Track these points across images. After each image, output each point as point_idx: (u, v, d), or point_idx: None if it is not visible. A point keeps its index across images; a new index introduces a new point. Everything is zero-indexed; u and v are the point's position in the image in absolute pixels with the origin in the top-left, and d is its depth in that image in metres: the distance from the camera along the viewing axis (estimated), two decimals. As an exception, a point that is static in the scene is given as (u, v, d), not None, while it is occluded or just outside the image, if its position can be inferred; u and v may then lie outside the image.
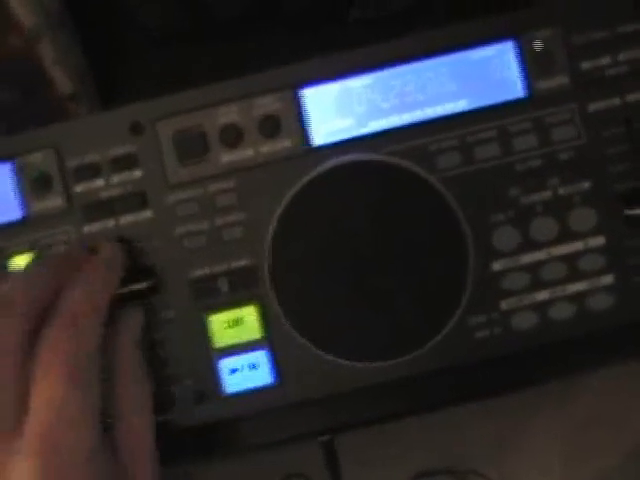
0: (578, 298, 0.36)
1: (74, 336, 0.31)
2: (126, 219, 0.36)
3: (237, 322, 0.36)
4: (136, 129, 0.36)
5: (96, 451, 0.31)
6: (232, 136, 0.36)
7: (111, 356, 0.34)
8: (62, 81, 0.41)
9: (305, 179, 0.35)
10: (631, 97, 0.36)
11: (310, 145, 0.36)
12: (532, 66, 0.36)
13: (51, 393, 0.30)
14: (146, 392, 0.34)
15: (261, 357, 0.36)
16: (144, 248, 0.36)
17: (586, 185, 0.36)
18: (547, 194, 0.36)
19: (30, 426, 0.30)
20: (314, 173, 0.36)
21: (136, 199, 0.36)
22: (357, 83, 0.36)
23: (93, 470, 0.30)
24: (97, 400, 0.31)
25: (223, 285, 0.36)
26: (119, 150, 0.36)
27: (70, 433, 0.30)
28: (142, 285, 0.35)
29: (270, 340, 0.36)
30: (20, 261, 0.36)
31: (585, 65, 0.36)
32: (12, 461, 0.29)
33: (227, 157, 0.36)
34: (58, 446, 0.30)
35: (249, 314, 0.36)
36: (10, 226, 0.36)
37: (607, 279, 0.36)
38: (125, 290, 0.35)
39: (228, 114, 0.36)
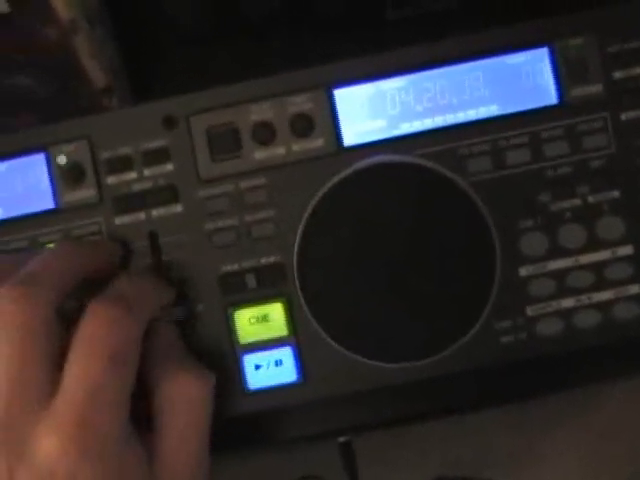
0: (604, 307, 0.36)
1: (123, 317, 0.31)
2: (156, 212, 0.36)
3: (263, 318, 0.36)
4: (169, 123, 0.36)
5: (125, 439, 0.30)
6: (265, 134, 0.36)
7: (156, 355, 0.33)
8: (96, 75, 0.41)
9: (336, 179, 0.36)
10: (664, 107, 0.36)
11: (342, 145, 0.36)
12: (566, 73, 0.36)
13: (92, 370, 0.29)
14: (203, 394, 0.33)
15: (286, 354, 0.36)
16: (173, 242, 0.36)
17: (616, 194, 0.36)
18: (576, 202, 0.36)
19: (61, 402, 0.29)
20: (345, 173, 0.36)
21: (167, 193, 0.36)
22: (390, 85, 0.36)
23: (119, 457, 0.30)
24: (131, 388, 0.31)
25: (251, 281, 0.36)
26: (152, 144, 0.36)
27: (102, 415, 0.29)
28: (180, 310, 0.36)
29: (296, 337, 0.36)
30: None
31: (618, 74, 0.36)
32: (38, 436, 0.29)
33: (259, 154, 0.36)
34: (87, 426, 0.29)
35: (276, 311, 0.36)
36: (42, 215, 0.36)
37: (634, 289, 0.36)
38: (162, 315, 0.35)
39: (261, 111, 0.36)
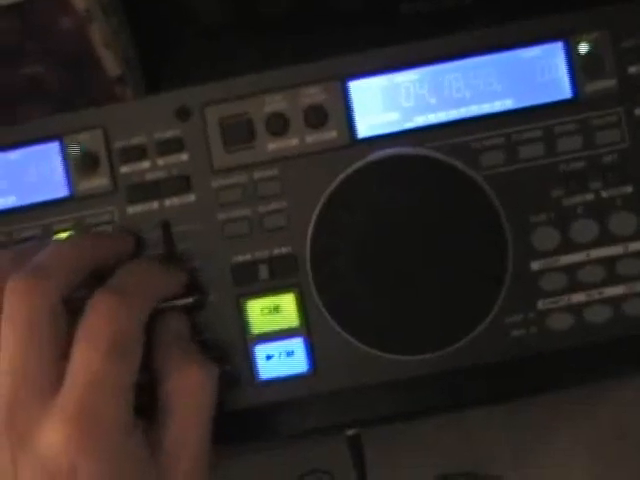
0: (614, 302, 0.36)
1: (125, 307, 0.31)
2: (170, 202, 0.36)
3: (275, 309, 0.36)
4: (183, 114, 0.36)
5: (128, 429, 0.30)
6: (278, 125, 0.36)
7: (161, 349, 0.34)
8: (110, 64, 0.41)
9: (349, 170, 0.36)
10: (678, 103, 0.36)
11: (355, 137, 0.36)
12: (580, 68, 0.36)
13: (92, 361, 0.30)
14: (206, 385, 0.33)
15: (297, 345, 0.36)
16: (186, 232, 0.36)
17: (629, 189, 0.36)
18: (589, 196, 0.36)
19: (64, 393, 0.30)
20: (358, 164, 0.36)
21: (180, 183, 0.36)
22: (405, 77, 0.36)
23: (122, 446, 0.30)
24: (135, 377, 0.31)
25: (263, 272, 0.36)
26: (166, 133, 0.36)
27: (107, 405, 0.30)
28: (187, 300, 0.35)
29: (307, 328, 0.36)
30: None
31: (633, 69, 0.36)
32: (41, 427, 0.29)
33: (272, 145, 0.36)
34: (92, 415, 0.29)
35: (287, 302, 0.36)
36: (56, 203, 0.36)
37: (645, 285, 0.36)
38: (169, 305, 0.35)
39: (275, 102, 0.36)
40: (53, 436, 0.29)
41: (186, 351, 0.34)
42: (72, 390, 0.30)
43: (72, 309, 0.31)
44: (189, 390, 0.33)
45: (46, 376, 0.30)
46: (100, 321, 0.31)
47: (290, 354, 0.36)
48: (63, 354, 0.30)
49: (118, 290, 0.32)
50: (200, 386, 0.33)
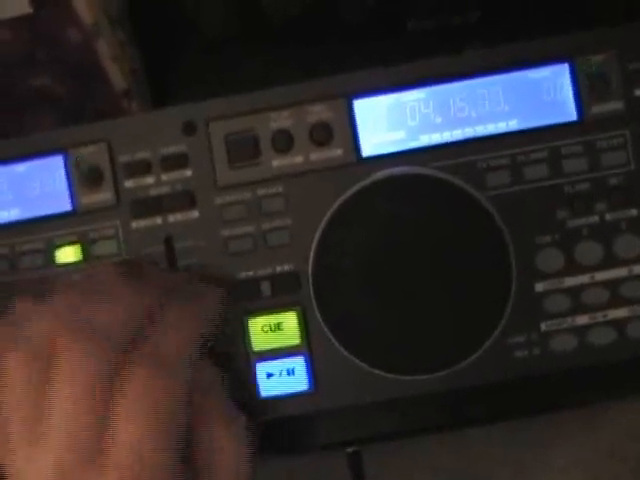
0: (618, 324, 0.36)
1: (167, 379, 0.30)
2: (173, 218, 0.36)
3: (277, 327, 0.36)
4: (188, 129, 0.36)
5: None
6: (283, 141, 0.36)
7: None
8: (117, 78, 0.41)
9: (354, 188, 0.36)
10: (684, 126, 0.36)
11: (360, 155, 0.36)
12: (586, 90, 0.36)
13: (133, 435, 0.29)
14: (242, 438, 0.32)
15: (298, 363, 0.36)
16: (189, 248, 0.36)
17: (634, 212, 0.36)
18: (594, 218, 0.36)
19: (109, 465, 0.29)
20: (363, 183, 0.36)
21: (184, 198, 0.36)
22: (410, 96, 0.36)
23: None
24: (181, 446, 0.30)
25: (265, 289, 0.36)
26: (170, 149, 0.36)
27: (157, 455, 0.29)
28: None
29: (308, 346, 0.36)
30: (68, 253, 0.36)
31: (639, 92, 0.36)
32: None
33: (277, 162, 0.36)
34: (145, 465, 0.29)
35: (289, 319, 0.36)
36: (59, 217, 0.36)
37: (649, 307, 0.36)
38: None
39: (281, 119, 0.36)
40: None
41: (218, 405, 0.33)
42: (115, 465, 0.29)
43: None
44: (219, 447, 0.32)
45: (90, 448, 0.29)
46: (141, 396, 0.29)
47: (291, 372, 0.36)
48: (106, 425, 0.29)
49: (156, 364, 0.30)
50: (232, 443, 0.32)
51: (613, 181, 0.36)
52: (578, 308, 0.36)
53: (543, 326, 0.36)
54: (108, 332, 0.30)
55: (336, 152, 0.36)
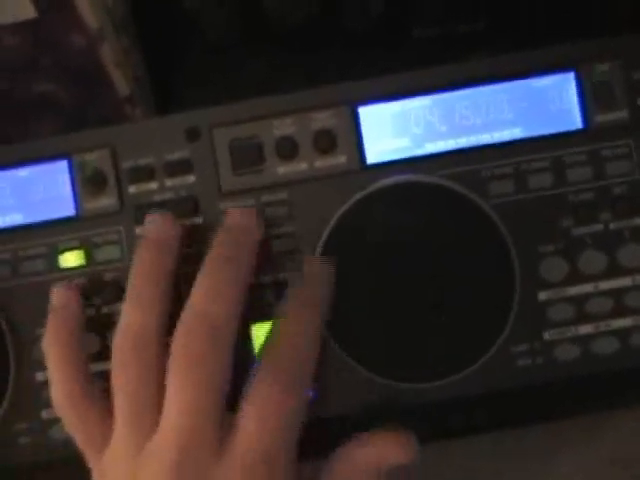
0: (622, 334, 0.36)
1: (210, 342, 0.31)
2: (177, 223, 0.36)
3: (280, 334, 0.35)
4: (192, 135, 0.36)
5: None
6: (287, 148, 0.36)
7: None
8: (120, 83, 0.41)
9: (358, 196, 0.36)
10: (689, 136, 0.36)
11: (364, 163, 0.36)
12: (591, 98, 0.36)
13: (185, 397, 0.30)
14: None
15: (301, 370, 0.35)
16: (193, 254, 0.36)
17: (638, 221, 0.36)
18: (598, 227, 0.36)
19: (164, 426, 0.30)
20: (367, 190, 0.36)
21: (188, 204, 0.36)
22: (415, 104, 0.36)
23: None
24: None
25: (269, 296, 0.36)
26: (174, 155, 0.36)
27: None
28: None
29: (311, 354, 0.36)
30: (71, 258, 0.36)
31: (644, 101, 0.36)
32: (145, 463, 0.30)
33: (281, 169, 0.36)
34: (185, 449, 0.29)
35: (293, 326, 0.35)
36: (63, 222, 0.36)
37: (653, 316, 0.36)
38: None
39: (285, 126, 0.36)
40: (153, 473, 0.29)
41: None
42: (169, 426, 0.30)
43: None
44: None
45: (150, 410, 0.31)
46: (187, 359, 0.31)
47: (294, 379, 0.35)
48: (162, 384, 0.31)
49: (199, 327, 0.32)
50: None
51: (617, 190, 0.36)
52: (581, 317, 0.36)
53: (546, 335, 0.36)
54: None
55: (340, 159, 0.36)
